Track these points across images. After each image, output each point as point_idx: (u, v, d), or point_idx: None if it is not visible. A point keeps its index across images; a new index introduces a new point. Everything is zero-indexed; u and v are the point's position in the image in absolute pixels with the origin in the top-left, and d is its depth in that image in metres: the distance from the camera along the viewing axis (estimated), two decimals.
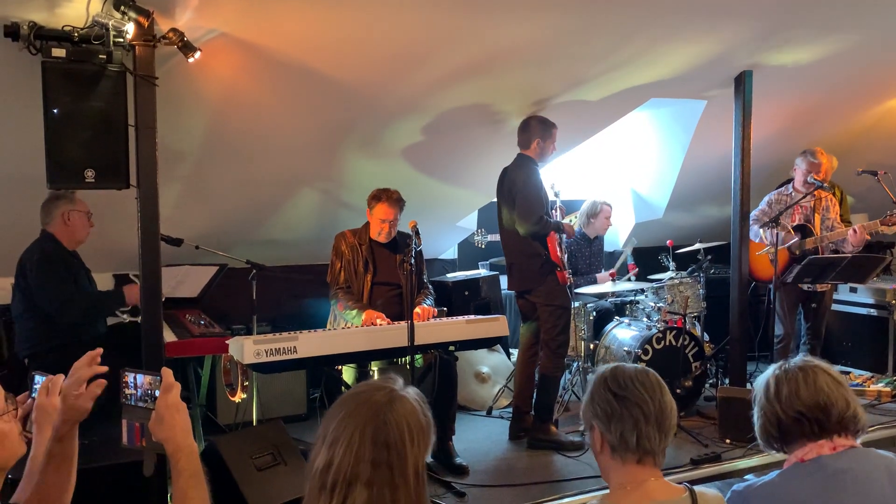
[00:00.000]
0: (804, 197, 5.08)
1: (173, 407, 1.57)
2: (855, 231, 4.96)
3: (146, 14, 3.11)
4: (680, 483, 1.70)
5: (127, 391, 1.64)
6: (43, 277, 3.76)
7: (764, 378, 1.92)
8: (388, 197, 4.08)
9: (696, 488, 1.67)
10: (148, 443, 1.61)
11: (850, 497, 1.73)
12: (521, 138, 4.43)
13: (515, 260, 4.45)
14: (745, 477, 3.88)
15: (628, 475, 1.64)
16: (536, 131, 4.37)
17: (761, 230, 5.07)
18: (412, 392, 1.43)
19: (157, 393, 1.59)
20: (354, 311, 3.97)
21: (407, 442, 1.34)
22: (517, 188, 4.28)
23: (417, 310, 3.96)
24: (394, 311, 4.08)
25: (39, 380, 1.72)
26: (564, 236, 4.48)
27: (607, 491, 1.71)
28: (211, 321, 4.29)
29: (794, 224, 5.12)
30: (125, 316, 4.23)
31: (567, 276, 4.38)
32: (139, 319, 3.55)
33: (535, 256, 4.32)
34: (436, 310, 4.05)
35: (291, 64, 3.75)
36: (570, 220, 5.49)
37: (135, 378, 1.63)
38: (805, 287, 5.11)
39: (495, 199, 4.60)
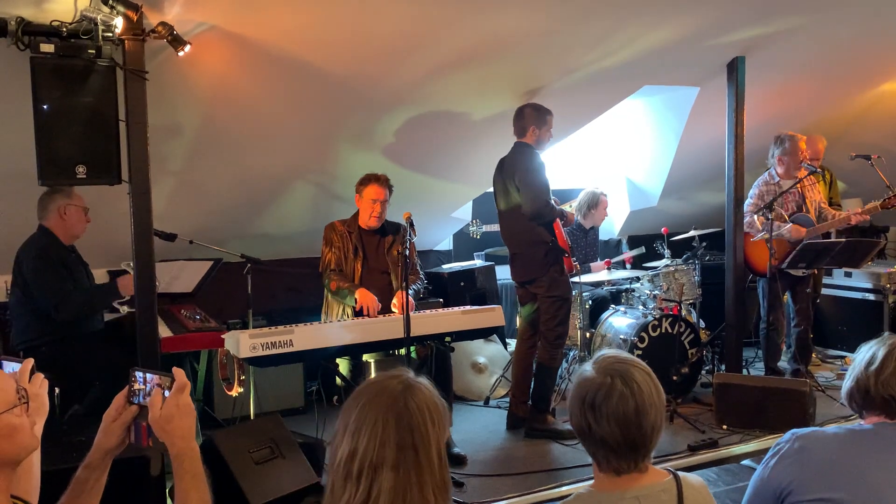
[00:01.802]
0: (798, 182, 5.07)
1: (184, 408, 1.57)
2: (856, 214, 4.98)
3: (134, 8, 3.10)
4: (676, 469, 1.70)
5: (136, 386, 1.62)
6: (39, 274, 3.75)
7: (871, 348, 1.94)
8: (377, 179, 4.12)
9: (680, 473, 1.67)
10: (155, 443, 1.60)
11: None
12: (517, 127, 4.40)
13: (519, 249, 4.41)
14: (743, 462, 3.90)
15: (609, 476, 1.65)
16: (531, 119, 4.34)
17: (756, 216, 5.06)
18: (424, 380, 1.45)
19: (167, 393, 1.58)
20: (346, 290, 3.99)
21: (429, 424, 1.37)
22: (521, 174, 4.24)
23: (395, 300, 3.98)
24: (385, 298, 4.09)
25: (10, 368, 1.69)
26: (565, 223, 4.48)
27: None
28: (206, 316, 4.29)
29: (790, 213, 5.11)
30: (124, 308, 4.22)
31: (573, 262, 4.38)
32: (136, 312, 3.54)
33: (540, 245, 4.29)
34: (414, 303, 4.03)
35: (283, 56, 3.73)
36: (569, 208, 5.50)
37: (144, 376, 1.62)
38: (801, 273, 5.12)
39: (490, 190, 4.58)
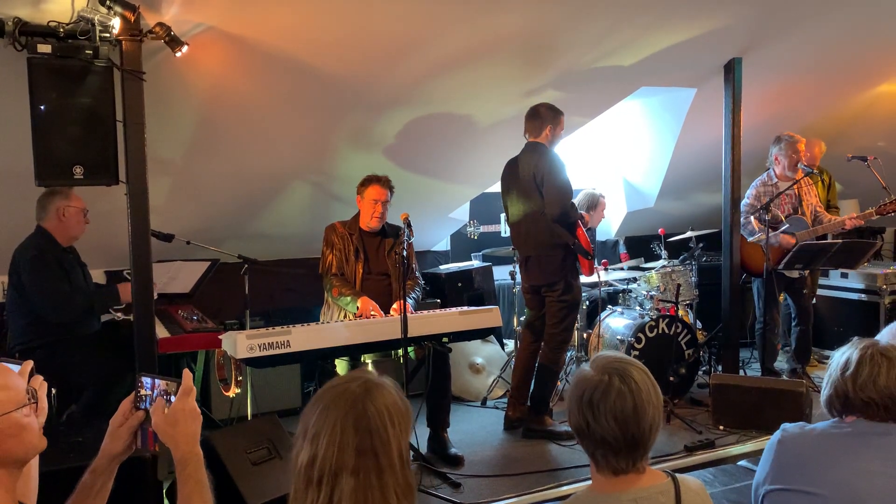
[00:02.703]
0: (795, 183, 5.09)
1: (189, 413, 1.57)
2: (851, 219, 4.99)
3: (132, 8, 3.10)
4: (673, 470, 1.71)
5: (142, 392, 1.62)
6: (36, 276, 3.74)
7: (845, 354, 1.96)
8: (379, 179, 4.12)
9: (678, 476, 1.68)
10: (161, 448, 1.60)
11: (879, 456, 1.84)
12: (532, 126, 4.28)
13: (535, 252, 4.30)
14: (740, 463, 3.91)
15: (608, 477, 1.65)
16: (548, 118, 4.25)
17: (753, 218, 5.07)
18: (387, 380, 1.44)
19: (173, 398, 1.57)
20: (349, 298, 3.98)
21: (389, 426, 1.35)
22: (543, 174, 4.13)
23: (395, 305, 3.97)
24: (384, 301, 4.09)
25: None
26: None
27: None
28: (204, 316, 4.28)
29: (787, 215, 5.13)
30: (119, 314, 4.22)
31: (592, 266, 4.34)
32: (132, 317, 3.54)
33: (560, 248, 4.21)
34: (412, 309, 4.02)
35: (280, 57, 3.73)
36: None
37: (151, 381, 1.62)
38: (797, 274, 5.13)
39: (488, 191, 4.56)
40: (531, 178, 4.20)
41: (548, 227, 4.20)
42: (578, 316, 5.13)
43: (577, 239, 4.24)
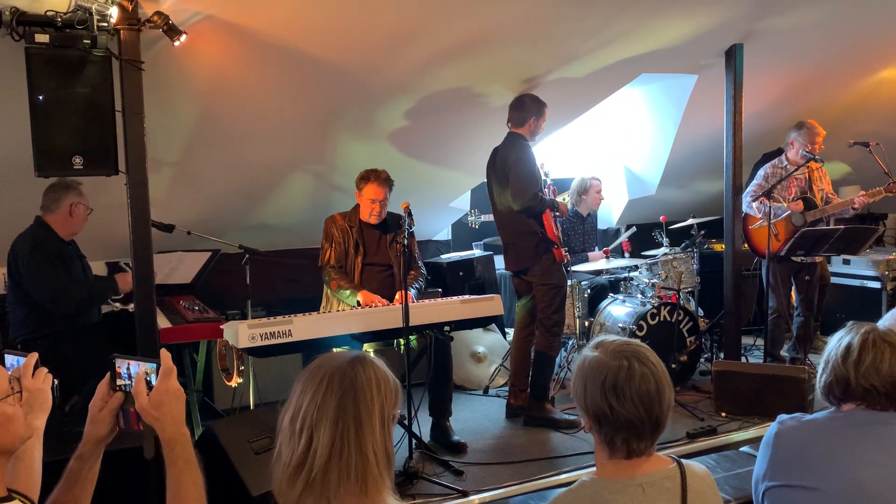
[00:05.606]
0: (797, 169, 5.08)
1: (173, 394, 1.56)
2: (860, 198, 4.99)
3: None
4: (678, 456, 1.71)
5: (120, 382, 1.61)
6: (35, 269, 3.74)
7: (845, 339, 1.93)
8: (377, 177, 4.08)
9: (684, 461, 1.67)
10: (145, 426, 1.59)
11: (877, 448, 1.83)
12: (516, 116, 4.38)
13: (511, 240, 4.44)
14: (742, 449, 3.92)
15: (615, 462, 1.65)
16: (532, 109, 4.33)
17: (754, 203, 5.09)
18: (378, 359, 1.47)
19: (153, 379, 1.56)
20: (348, 291, 3.98)
21: (374, 387, 1.39)
22: (510, 165, 4.25)
23: (397, 296, 3.96)
24: (386, 293, 4.08)
25: (13, 361, 1.68)
26: (558, 214, 4.48)
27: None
28: (205, 307, 4.29)
29: (792, 197, 5.13)
30: (116, 304, 4.22)
31: (564, 253, 4.39)
32: (130, 307, 3.54)
33: (531, 235, 4.31)
34: (414, 299, 4.02)
35: (279, 46, 3.71)
36: (563, 199, 5.48)
37: (128, 367, 1.60)
38: (798, 259, 5.13)
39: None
40: (503, 169, 4.30)
41: (520, 216, 4.30)
42: (580, 304, 5.14)
43: (543, 229, 4.29)
